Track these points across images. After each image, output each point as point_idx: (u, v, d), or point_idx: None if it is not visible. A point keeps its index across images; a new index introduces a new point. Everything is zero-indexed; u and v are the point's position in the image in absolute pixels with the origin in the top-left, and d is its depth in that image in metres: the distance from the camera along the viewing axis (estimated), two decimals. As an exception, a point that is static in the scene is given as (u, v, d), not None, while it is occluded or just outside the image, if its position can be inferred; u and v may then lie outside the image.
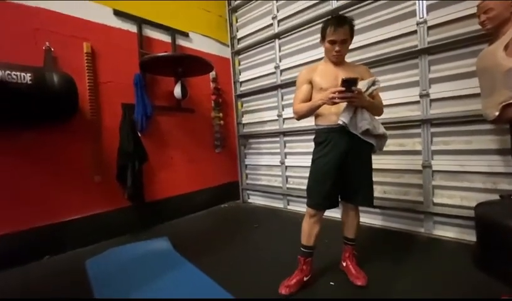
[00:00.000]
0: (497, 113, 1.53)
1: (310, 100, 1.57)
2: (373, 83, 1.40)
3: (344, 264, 1.67)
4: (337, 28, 1.43)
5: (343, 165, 1.49)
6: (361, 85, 1.37)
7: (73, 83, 2.11)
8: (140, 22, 2.79)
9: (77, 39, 2.36)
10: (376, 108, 1.51)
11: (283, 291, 1.50)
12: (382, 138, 1.50)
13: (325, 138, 1.52)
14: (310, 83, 1.57)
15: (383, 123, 2.35)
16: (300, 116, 1.59)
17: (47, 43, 2.15)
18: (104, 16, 2.56)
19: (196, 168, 3.31)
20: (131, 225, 2.64)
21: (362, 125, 1.41)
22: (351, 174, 1.52)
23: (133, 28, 2.76)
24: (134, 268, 1.88)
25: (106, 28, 2.58)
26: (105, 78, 2.54)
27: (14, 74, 1.78)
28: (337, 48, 1.47)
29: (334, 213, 2.67)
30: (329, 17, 1.63)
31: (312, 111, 1.54)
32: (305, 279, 1.57)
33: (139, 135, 2.65)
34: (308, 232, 1.56)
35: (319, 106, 1.48)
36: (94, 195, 2.44)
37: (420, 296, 1.44)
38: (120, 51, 2.65)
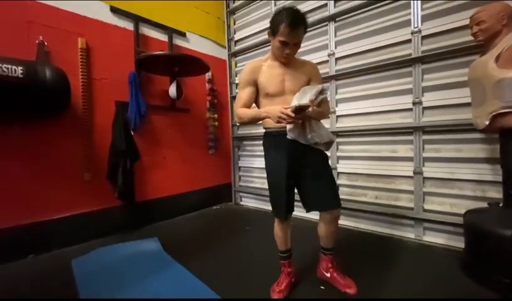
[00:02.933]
0: (487, 123, 1.56)
1: (254, 100, 1.51)
2: (321, 92, 1.36)
3: (329, 275, 1.61)
4: (292, 30, 1.29)
5: (298, 171, 1.47)
6: (310, 95, 1.32)
7: (66, 78, 2.08)
8: (137, 20, 2.77)
9: (72, 34, 2.33)
10: (322, 115, 1.46)
11: (276, 296, 1.48)
12: (329, 143, 1.49)
13: (274, 142, 1.49)
14: (255, 84, 1.47)
15: (376, 130, 2.43)
16: (242, 123, 1.50)
17: (40, 37, 2.11)
18: (100, 12, 2.53)
19: (188, 169, 3.28)
20: (120, 225, 2.59)
21: (310, 137, 1.41)
22: (309, 180, 1.48)
23: (129, 26, 2.73)
24: (122, 268, 1.84)
25: (103, 24, 2.55)
26: (99, 75, 2.51)
27: (5, 67, 1.74)
28: (287, 51, 1.36)
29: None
30: (283, 8, 1.35)
31: (256, 121, 1.49)
32: (292, 280, 1.58)
33: (132, 133, 2.62)
34: (282, 237, 1.57)
35: (263, 119, 1.43)
36: (83, 194, 2.39)
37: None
38: (116, 48, 2.62)
